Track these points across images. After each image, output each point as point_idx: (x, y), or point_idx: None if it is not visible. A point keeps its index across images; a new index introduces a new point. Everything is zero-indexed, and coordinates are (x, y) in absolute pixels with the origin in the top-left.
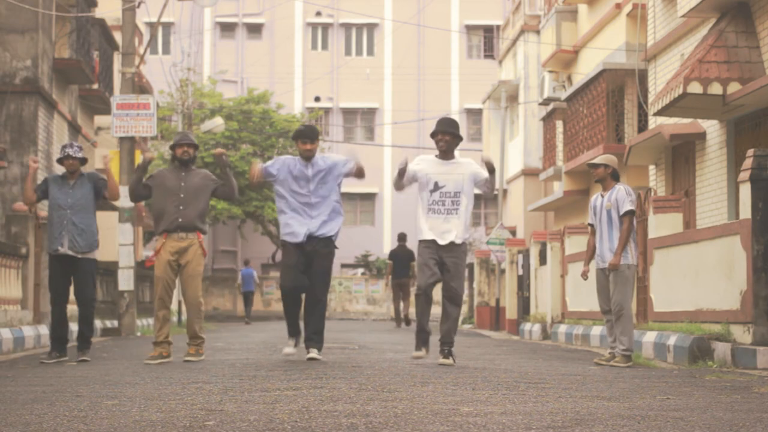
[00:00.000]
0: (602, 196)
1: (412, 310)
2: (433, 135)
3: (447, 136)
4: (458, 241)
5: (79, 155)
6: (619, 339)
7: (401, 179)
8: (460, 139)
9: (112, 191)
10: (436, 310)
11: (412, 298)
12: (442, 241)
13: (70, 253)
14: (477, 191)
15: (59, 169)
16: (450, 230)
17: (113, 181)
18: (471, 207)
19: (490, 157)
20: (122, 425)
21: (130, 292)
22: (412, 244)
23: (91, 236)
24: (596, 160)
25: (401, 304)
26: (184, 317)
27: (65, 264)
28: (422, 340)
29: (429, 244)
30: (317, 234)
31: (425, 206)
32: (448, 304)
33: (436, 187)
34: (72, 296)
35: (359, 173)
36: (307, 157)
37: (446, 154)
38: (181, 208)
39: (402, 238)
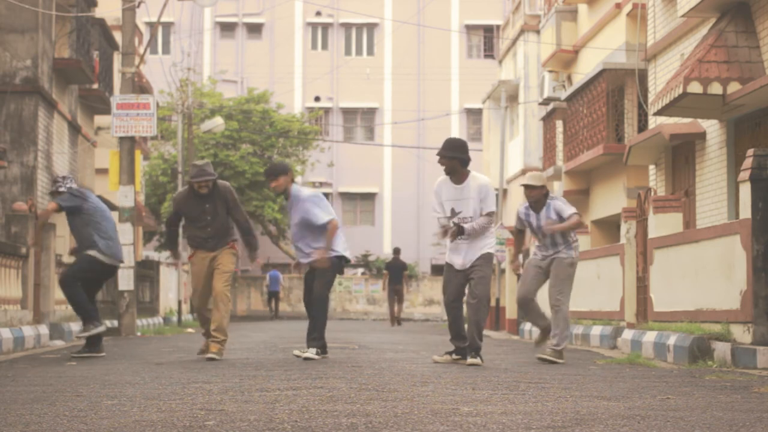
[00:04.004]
0: (534, 211)
1: (409, 310)
2: (437, 155)
3: (444, 160)
4: (482, 253)
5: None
6: (552, 333)
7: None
8: (462, 160)
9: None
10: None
11: (406, 302)
12: (463, 267)
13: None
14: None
15: (59, 169)
16: (473, 254)
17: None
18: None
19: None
20: (122, 425)
21: (130, 292)
22: (405, 256)
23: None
24: (533, 182)
25: (395, 307)
26: (184, 317)
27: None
28: (454, 349)
29: (454, 270)
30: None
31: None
32: (471, 309)
33: (453, 213)
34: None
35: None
36: (280, 192)
37: (454, 176)
38: (209, 230)
39: (396, 251)
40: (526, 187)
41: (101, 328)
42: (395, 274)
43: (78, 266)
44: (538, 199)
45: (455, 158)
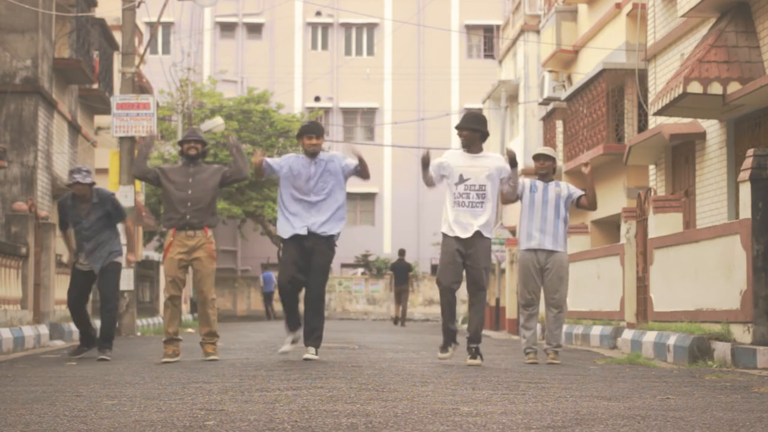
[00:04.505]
0: (541, 180)
1: (412, 310)
2: (456, 128)
3: (465, 131)
4: (484, 233)
5: (88, 180)
6: (554, 335)
7: (427, 172)
8: (483, 134)
9: (129, 229)
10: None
11: (409, 301)
12: (465, 234)
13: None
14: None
15: (59, 169)
16: (474, 223)
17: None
18: (495, 203)
19: (513, 149)
20: (122, 425)
21: (130, 292)
22: (410, 258)
23: (106, 252)
24: (547, 152)
25: (399, 307)
26: (184, 317)
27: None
28: (449, 339)
29: (452, 241)
30: (318, 231)
31: (451, 199)
32: (473, 298)
33: (461, 179)
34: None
35: (364, 172)
36: (312, 152)
37: (470, 148)
38: (189, 204)
39: (401, 253)
40: (540, 157)
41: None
42: (399, 275)
43: (117, 283)
44: (549, 170)
45: (478, 130)
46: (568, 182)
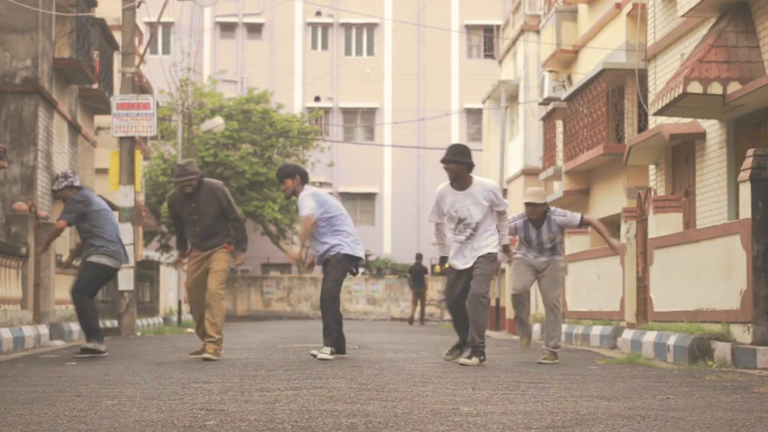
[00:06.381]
0: (534, 226)
1: (409, 310)
2: (442, 162)
3: (452, 165)
4: (486, 252)
5: (62, 186)
6: (552, 335)
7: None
8: (469, 165)
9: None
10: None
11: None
12: (462, 267)
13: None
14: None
15: (59, 169)
16: (469, 256)
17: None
18: (493, 221)
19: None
20: (122, 425)
21: (130, 292)
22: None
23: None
24: (537, 200)
25: (417, 308)
26: (184, 317)
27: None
28: (456, 346)
29: (456, 272)
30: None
31: (451, 234)
32: (468, 306)
33: (459, 220)
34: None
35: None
36: (290, 196)
37: (458, 182)
38: (197, 229)
39: (419, 257)
40: (529, 204)
41: (101, 348)
42: (417, 277)
43: (86, 280)
44: (540, 216)
45: (463, 163)
46: (568, 182)
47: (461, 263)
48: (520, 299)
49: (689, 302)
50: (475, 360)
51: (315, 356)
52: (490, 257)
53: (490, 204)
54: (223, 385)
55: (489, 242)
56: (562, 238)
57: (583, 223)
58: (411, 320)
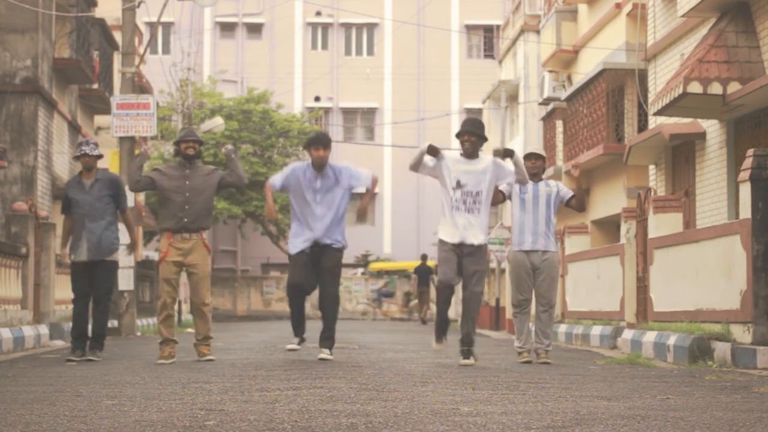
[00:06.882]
0: (534, 183)
1: (432, 309)
2: (458, 135)
3: (473, 137)
4: (477, 242)
5: (96, 153)
6: (545, 333)
7: (421, 158)
8: (485, 140)
9: (128, 221)
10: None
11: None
12: (462, 240)
13: (87, 259)
14: (506, 183)
15: (59, 169)
16: (470, 228)
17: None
18: (489, 205)
19: (498, 146)
20: (122, 425)
21: (130, 292)
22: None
23: (107, 242)
24: (538, 151)
25: (424, 307)
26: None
27: (86, 266)
28: (442, 331)
29: (448, 246)
30: (323, 241)
31: (448, 204)
32: (468, 306)
33: (458, 185)
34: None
35: (371, 195)
36: (320, 165)
37: (470, 154)
38: (186, 207)
39: (424, 258)
40: (531, 156)
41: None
42: (422, 277)
43: (113, 281)
44: (539, 170)
45: (483, 137)
46: (569, 183)
47: (461, 236)
48: (523, 311)
49: (689, 302)
50: (472, 360)
51: (324, 359)
52: (485, 250)
53: (495, 176)
54: (223, 385)
55: (485, 226)
56: (554, 221)
57: (569, 205)
58: (423, 320)
